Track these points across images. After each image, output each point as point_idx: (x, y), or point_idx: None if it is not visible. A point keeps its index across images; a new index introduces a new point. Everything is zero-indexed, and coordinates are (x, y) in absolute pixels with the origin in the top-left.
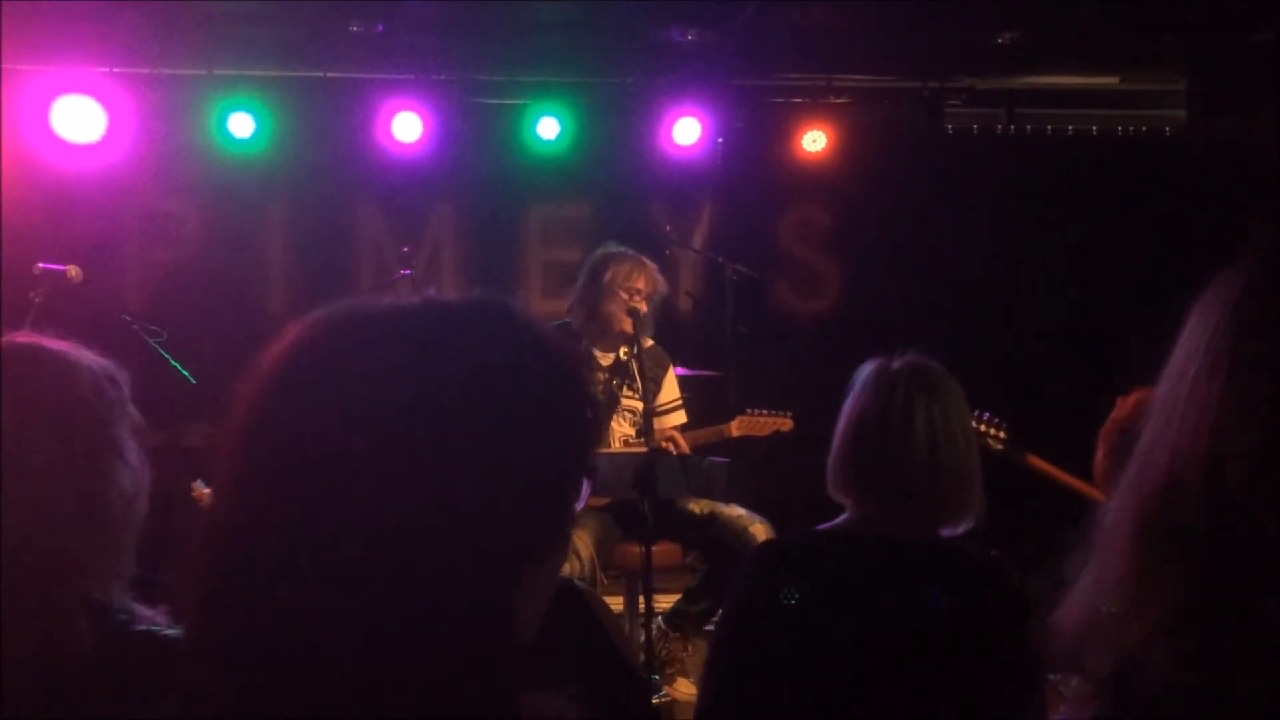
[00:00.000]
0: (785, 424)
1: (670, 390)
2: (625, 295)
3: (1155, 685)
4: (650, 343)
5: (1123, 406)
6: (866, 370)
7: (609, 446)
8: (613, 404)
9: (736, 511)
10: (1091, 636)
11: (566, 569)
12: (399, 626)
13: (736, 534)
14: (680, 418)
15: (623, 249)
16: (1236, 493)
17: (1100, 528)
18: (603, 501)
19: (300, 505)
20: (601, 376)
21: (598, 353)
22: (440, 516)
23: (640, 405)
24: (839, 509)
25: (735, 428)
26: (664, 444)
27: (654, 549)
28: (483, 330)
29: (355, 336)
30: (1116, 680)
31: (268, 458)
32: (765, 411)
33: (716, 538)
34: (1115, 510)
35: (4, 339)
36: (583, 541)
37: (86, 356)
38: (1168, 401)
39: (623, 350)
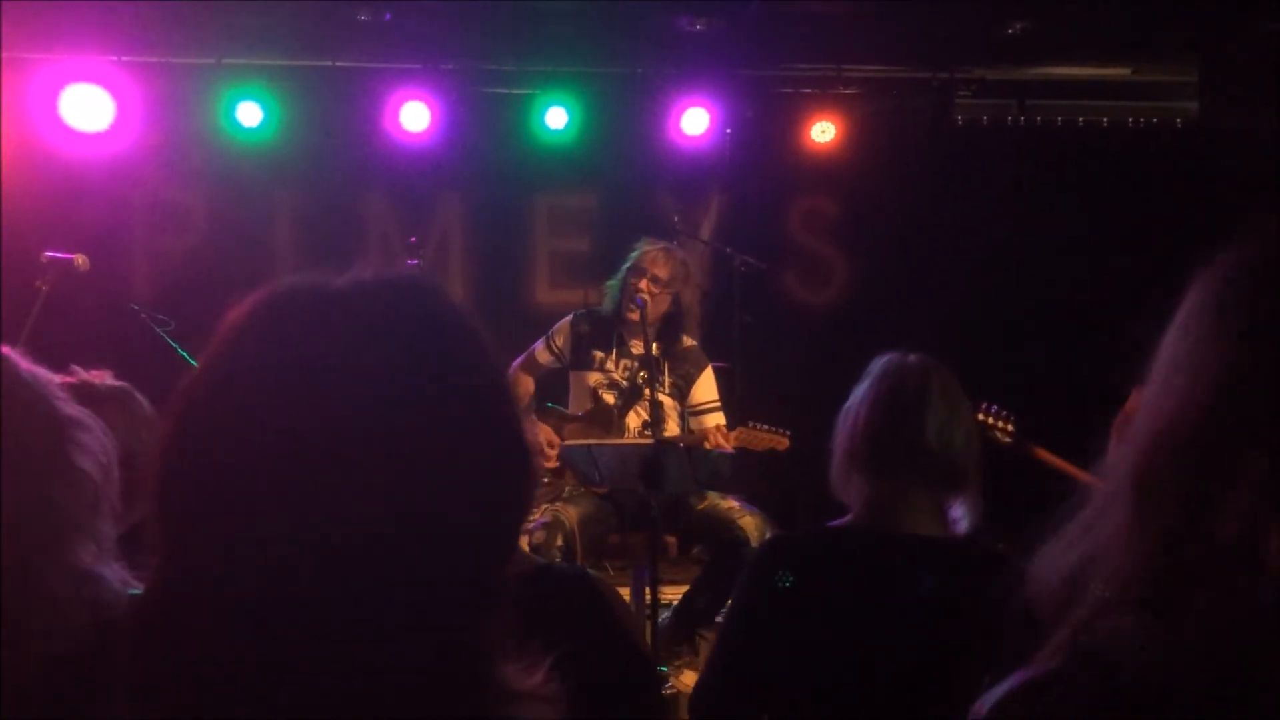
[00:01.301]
0: (781, 443)
1: (708, 390)
2: (636, 280)
3: (1117, 636)
4: (692, 342)
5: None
6: (880, 362)
7: (624, 436)
8: (635, 395)
9: (729, 503)
10: (1075, 584)
11: (543, 535)
12: (363, 615)
13: (726, 525)
14: (719, 418)
15: (654, 240)
16: (1217, 446)
17: (1101, 481)
18: (602, 490)
19: (235, 502)
20: (628, 364)
21: (630, 341)
22: (397, 504)
23: (669, 400)
24: (840, 502)
25: (733, 439)
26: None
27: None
28: (421, 310)
29: (297, 322)
30: (1080, 631)
31: (204, 450)
32: (766, 427)
33: (704, 529)
34: (1111, 465)
35: None
36: (568, 515)
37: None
38: (1162, 365)
39: (654, 345)
